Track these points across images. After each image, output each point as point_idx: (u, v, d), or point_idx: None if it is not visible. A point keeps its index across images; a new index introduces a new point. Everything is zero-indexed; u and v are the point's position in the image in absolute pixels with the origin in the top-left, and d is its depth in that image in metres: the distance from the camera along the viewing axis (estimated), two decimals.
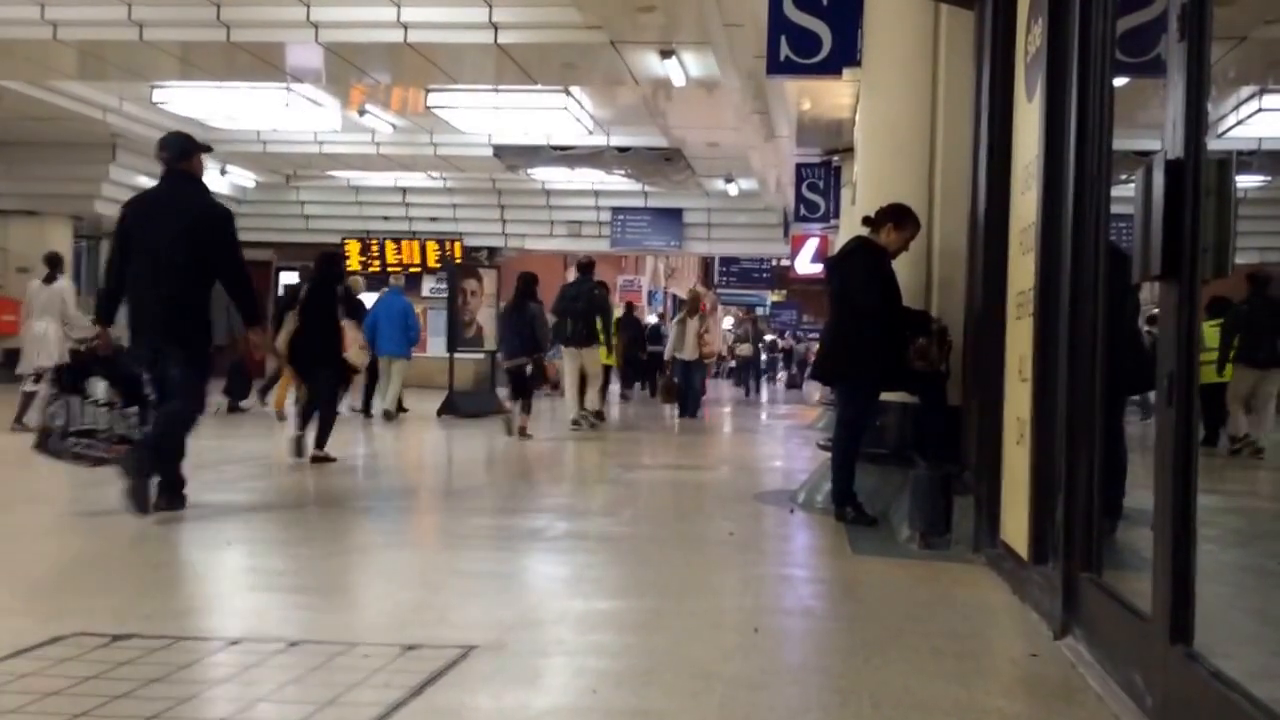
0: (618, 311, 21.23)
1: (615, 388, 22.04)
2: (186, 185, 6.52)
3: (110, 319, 6.46)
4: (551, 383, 14.17)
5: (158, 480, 5.99)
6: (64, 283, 12.11)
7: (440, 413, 15.18)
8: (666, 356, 17.31)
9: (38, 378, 10.51)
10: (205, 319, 6.38)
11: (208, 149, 6.83)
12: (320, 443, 8.85)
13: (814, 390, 25.54)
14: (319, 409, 8.99)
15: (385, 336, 14.35)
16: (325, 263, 9.68)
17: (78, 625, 3.60)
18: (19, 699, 2.88)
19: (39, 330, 11.63)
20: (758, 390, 29.98)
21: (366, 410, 14.80)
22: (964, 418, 5.83)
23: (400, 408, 14.83)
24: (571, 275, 15.00)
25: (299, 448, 8.85)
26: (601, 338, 14.09)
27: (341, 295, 10.71)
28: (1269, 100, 13.60)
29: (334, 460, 8.85)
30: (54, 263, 12.08)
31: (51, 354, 10.92)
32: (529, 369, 12.13)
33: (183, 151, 6.54)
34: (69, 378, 6.41)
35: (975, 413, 5.50)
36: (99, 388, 6.23)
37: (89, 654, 3.31)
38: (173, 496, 6.15)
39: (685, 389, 16.78)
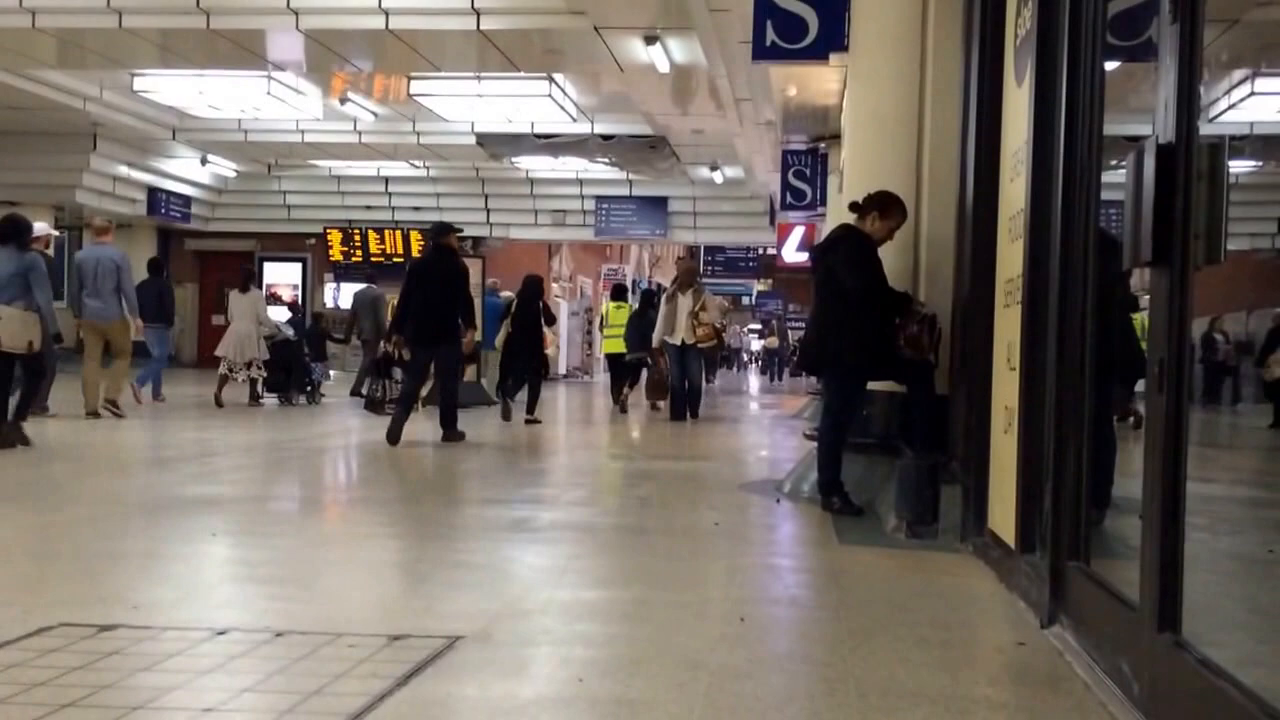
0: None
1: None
2: (445, 254, 10.55)
3: (405, 334, 10.42)
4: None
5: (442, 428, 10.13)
6: (257, 293, 15.50)
7: (425, 403, 15.13)
8: (655, 342, 14.20)
9: (249, 364, 14.57)
10: (456, 333, 10.24)
11: (458, 230, 11.70)
12: (530, 409, 13.13)
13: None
14: (530, 384, 13.43)
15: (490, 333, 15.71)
16: (532, 282, 13.94)
17: (63, 616, 3.57)
18: (6, 690, 2.86)
19: (241, 330, 14.59)
20: (780, 377, 38.18)
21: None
22: (951, 407, 5.82)
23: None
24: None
25: (506, 412, 13.07)
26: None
27: (541, 307, 13.86)
28: (1261, 84, 13.60)
29: (540, 422, 12.88)
30: (248, 276, 15.71)
31: (253, 348, 14.55)
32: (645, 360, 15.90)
33: (439, 231, 10.86)
34: (384, 367, 13.51)
35: (963, 402, 5.49)
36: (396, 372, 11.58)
37: (75, 645, 3.29)
38: (452, 434, 10.19)
39: (680, 383, 14.06)
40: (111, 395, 11.99)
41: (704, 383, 15.91)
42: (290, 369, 15.31)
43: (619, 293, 18.81)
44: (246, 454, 9.35)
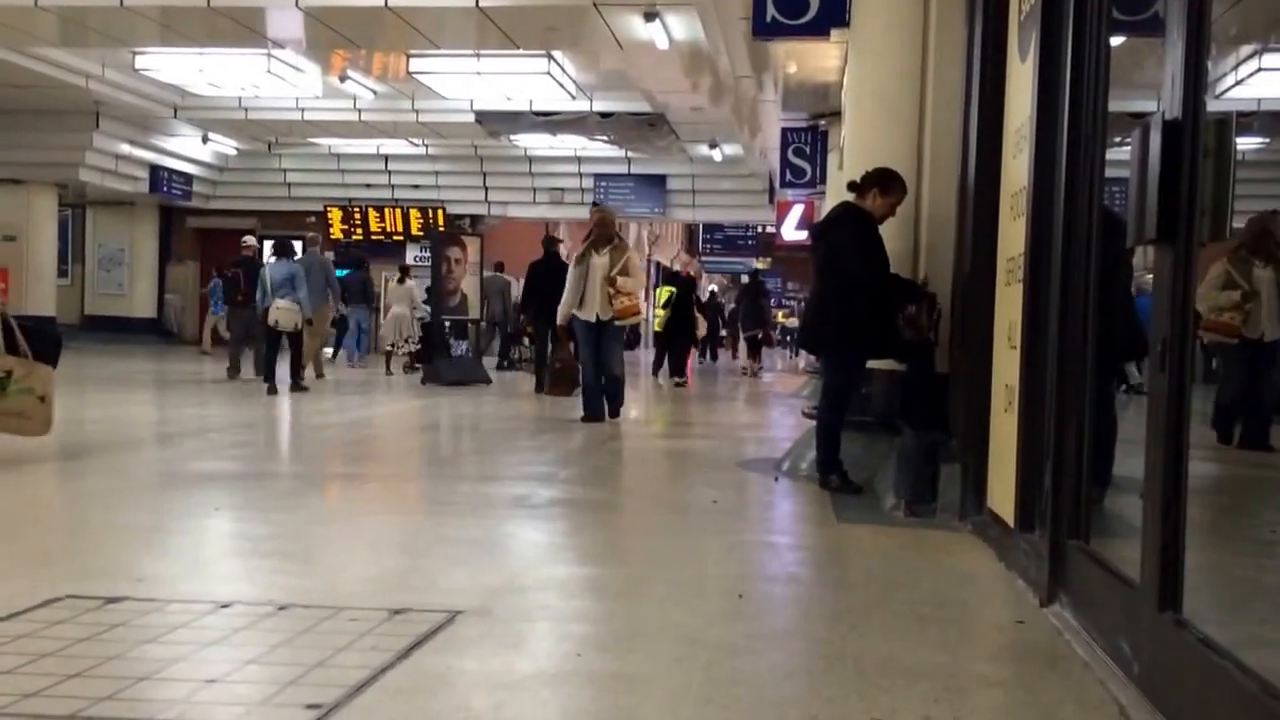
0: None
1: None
2: (554, 255, 14.27)
3: (530, 315, 14.83)
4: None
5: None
6: (411, 283, 19.25)
7: (424, 380, 15.17)
8: (561, 317, 10.47)
9: (406, 340, 18.53)
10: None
11: (556, 240, 15.47)
12: (679, 373, 17.56)
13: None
14: (679, 356, 17.98)
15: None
16: (688, 282, 18.38)
17: (70, 589, 3.59)
18: (14, 660, 2.88)
19: (398, 314, 18.67)
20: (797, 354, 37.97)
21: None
22: (951, 385, 5.81)
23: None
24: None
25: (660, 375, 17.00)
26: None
27: (695, 299, 18.39)
28: (1269, 59, 13.52)
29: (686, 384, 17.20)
30: (405, 271, 20.02)
31: (408, 328, 18.58)
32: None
33: (551, 242, 14.37)
34: (515, 339, 20.43)
35: (963, 380, 5.48)
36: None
37: (81, 616, 3.30)
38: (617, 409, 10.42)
39: (594, 373, 10.38)
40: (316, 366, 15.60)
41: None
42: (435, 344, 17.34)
43: (670, 276, 22.21)
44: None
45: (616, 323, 10.28)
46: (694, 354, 20.64)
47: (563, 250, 16.72)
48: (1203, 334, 8.39)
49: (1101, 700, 2.86)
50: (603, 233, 10.40)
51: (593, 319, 10.21)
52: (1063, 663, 3.18)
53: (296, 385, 13.17)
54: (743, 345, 24.26)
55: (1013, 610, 3.78)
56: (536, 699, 2.77)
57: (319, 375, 15.46)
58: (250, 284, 14.27)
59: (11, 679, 2.74)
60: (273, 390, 12.66)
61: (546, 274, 13.69)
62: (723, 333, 31.63)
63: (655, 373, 19.10)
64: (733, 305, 33.47)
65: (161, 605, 3.47)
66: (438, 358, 16.04)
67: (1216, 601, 3.73)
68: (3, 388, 6.43)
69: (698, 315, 20.95)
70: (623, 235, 10.66)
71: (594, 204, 11.62)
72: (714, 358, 30.55)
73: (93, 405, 11.40)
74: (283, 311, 12.89)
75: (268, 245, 17.04)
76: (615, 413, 10.45)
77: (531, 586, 4.04)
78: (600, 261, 10.20)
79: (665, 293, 19.13)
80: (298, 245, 15.01)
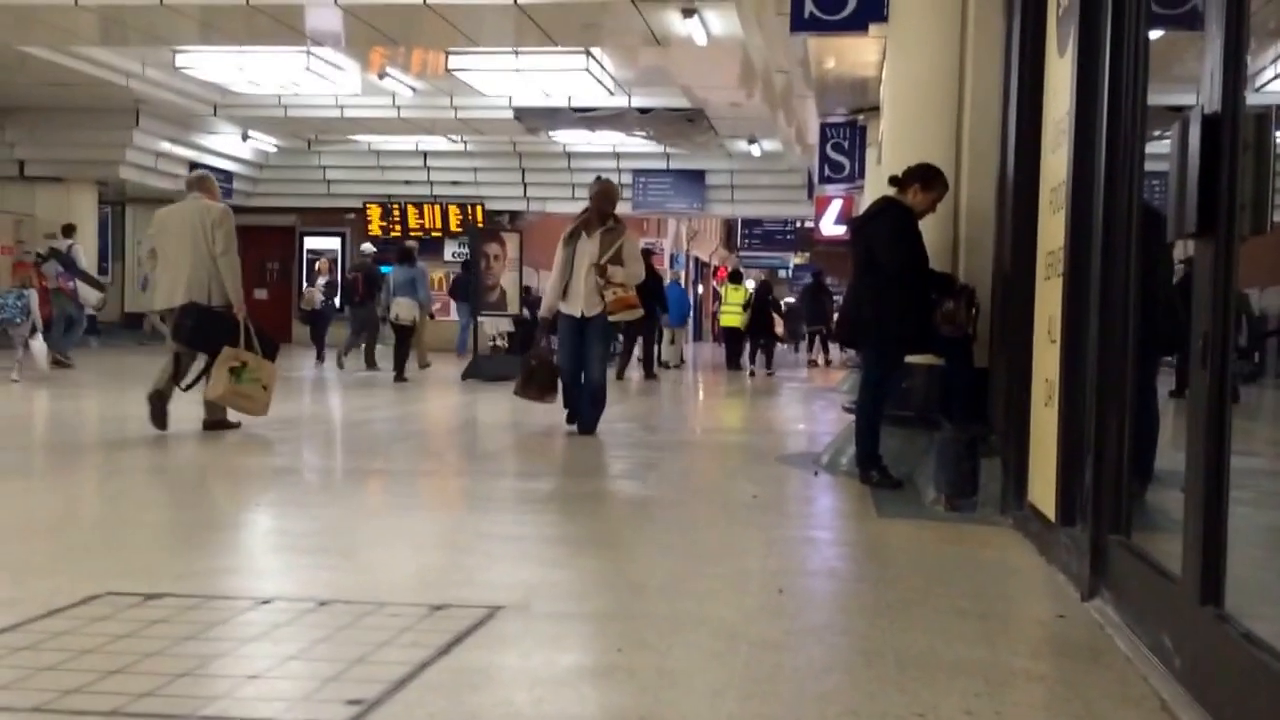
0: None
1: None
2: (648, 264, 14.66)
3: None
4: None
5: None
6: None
7: (465, 376, 15.25)
8: (545, 310, 8.88)
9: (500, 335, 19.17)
10: (654, 310, 13.45)
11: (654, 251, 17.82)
12: (768, 365, 20.51)
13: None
14: (766, 350, 20.86)
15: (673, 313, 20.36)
16: (765, 287, 21.29)
17: (111, 585, 3.63)
18: (56, 656, 2.91)
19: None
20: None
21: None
22: (991, 379, 5.79)
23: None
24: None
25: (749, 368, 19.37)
26: None
27: (770, 300, 20.98)
28: None
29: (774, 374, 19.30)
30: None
31: (503, 323, 18.61)
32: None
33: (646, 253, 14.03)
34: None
35: (1003, 374, 5.46)
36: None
37: (122, 613, 3.33)
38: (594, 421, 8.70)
39: (574, 376, 8.67)
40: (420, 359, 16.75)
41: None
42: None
43: (735, 277, 23.33)
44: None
45: (609, 318, 8.65)
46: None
47: None
48: None
49: (1143, 695, 2.85)
50: (600, 209, 8.70)
51: (577, 314, 8.52)
52: (1104, 657, 3.17)
53: (400, 377, 14.78)
54: (804, 340, 26.31)
55: (1054, 605, 3.77)
56: (577, 694, 2.79)
57: (422, 365, 16.69)
58: (368, 286, 17.18)
59: (53, 675, 2.77)
60: (400, 378, 14.76)
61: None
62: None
63: (731, 366, 21.44)
64: (793, 302, 34.54)
65: (202, 601, 3.50)
66: (480, 354, 16.33)
67: (1260, 596, 3.70)
68: (239, 375, 7.98)
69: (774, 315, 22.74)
70: (621, 218, 8.89)
71: (596, 177, 9.30)
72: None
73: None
74: (403, 307, 15.37)
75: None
76: (592, 426, 8.67)
77: (571, 581, 4.06)
78: (589, 246, 8.51)
79: (741, 293, 21.72)
80: (368, 247, 18.69)
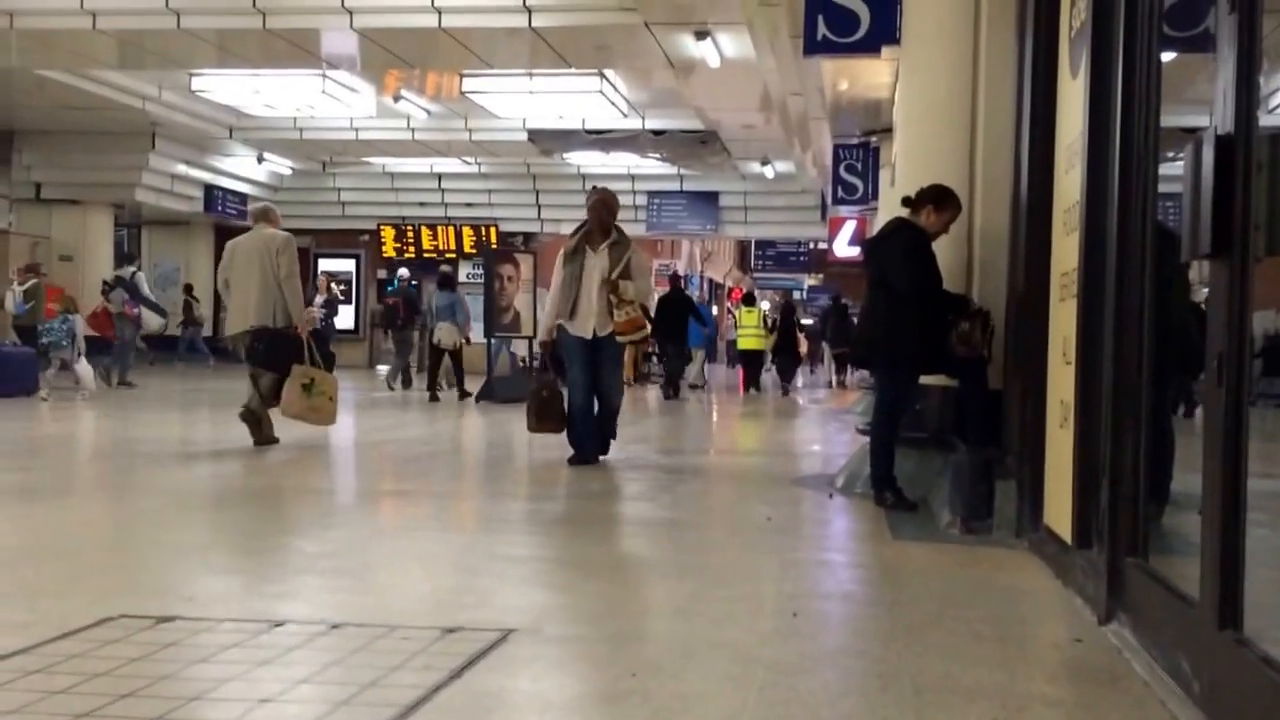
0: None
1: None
2: (679, 290, 18.85)
3: (658, 335, 16.08)
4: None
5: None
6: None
7: (479, 398, 15.26)
8: (544, 332, 8.43)
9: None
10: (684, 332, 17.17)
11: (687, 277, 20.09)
12: (789, 381, 21.64)
13: None
14: (789, 370, 22.06)
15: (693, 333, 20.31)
16: (789, 307, 21.85)
17: (123, 608, 3.63)
18: (67, 679, 2.91)
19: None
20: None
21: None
22: (1006, 401, 5.77)
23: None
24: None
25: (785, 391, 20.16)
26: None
27: (796, 321, 22.18)
28: None
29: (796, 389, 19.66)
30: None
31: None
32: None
33: (675, 278, 18.83)
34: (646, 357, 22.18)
35: (1017, 396, 5.44)
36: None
37: (134, 636, 3.33)
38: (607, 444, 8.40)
39: (584, 403, 8.11)
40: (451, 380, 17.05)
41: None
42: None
43: (749, 299, 23.43)
44: None
45: (618, 339, 8.08)
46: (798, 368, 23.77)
47: None
48: None
49: None
50: (601, 221, 8.16)
51: (588, 335, 8.00)
52: (1122, 681, 3.14)
53: (464, 394, 15.81)
54: (829, 361, 26.37)
55: (1070, 628, 3.74)
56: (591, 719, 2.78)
57: (462, 396, 16.21)
58: (408, 310, 18.10)
59: (65, 699, 2.77)
60: (434, 399, 15.45)
61: (676, 306, 17.10)
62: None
63: (747, 388, 21.61)
64: (810, 323, 35.75)
65: (214, 624, 3.50)
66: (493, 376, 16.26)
67: (1278, 619, 3.67)
68: (309, 390, 8.55)
69: (799, 335, 23.95)
70: (624, 231, 8.45)
71: (594, 187, 8.75)
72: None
73: (153, 425, 11.56)
74: (445, 331, 15.88)
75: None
76: (605, 449, 8.30)
77: (584, 604, 4.05)
78: (598, 261, 8.00)
79: (755, 315, 22.10)
80: (403, 272, 20.41)
